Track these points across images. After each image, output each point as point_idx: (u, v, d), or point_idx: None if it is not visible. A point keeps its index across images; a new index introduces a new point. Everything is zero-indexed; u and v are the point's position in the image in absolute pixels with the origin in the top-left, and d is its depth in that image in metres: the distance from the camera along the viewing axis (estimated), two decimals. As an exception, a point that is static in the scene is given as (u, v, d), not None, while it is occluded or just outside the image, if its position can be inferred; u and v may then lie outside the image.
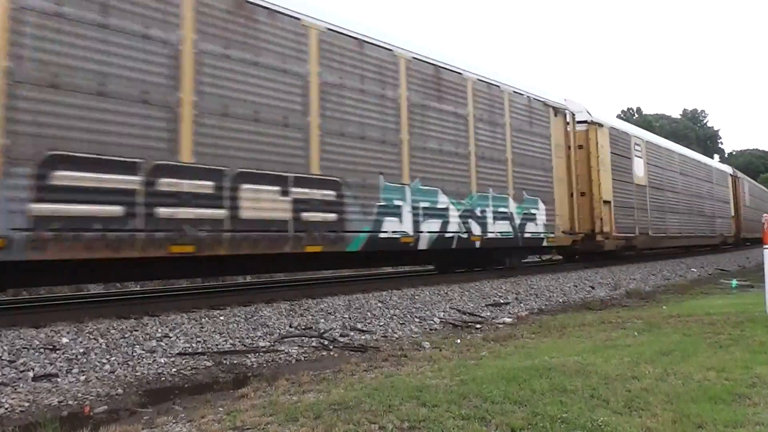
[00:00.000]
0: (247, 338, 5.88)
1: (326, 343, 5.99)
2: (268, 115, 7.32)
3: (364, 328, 6.73)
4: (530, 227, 12.00)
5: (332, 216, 7.95)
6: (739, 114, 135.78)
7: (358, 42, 8.61)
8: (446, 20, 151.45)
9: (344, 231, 8.11)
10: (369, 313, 7.35)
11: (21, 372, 4.42)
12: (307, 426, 3.11)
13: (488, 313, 8.33)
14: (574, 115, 14.12)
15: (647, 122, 61.27)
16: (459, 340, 6.16)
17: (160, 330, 5.67)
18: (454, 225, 10.01)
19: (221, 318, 6.32)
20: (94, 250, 5.73)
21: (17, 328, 5.26)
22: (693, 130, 76.43)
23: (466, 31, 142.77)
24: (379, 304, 7.81)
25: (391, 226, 8.78)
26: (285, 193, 7.41)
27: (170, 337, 5.54)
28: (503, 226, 11.25)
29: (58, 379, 4.42)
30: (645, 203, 17.54)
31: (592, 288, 11.66)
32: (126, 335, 5.40)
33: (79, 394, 4.17)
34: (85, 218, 5.68)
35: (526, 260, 13.86)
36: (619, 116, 42.76)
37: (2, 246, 5.18)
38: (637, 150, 17.52)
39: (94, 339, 5.20)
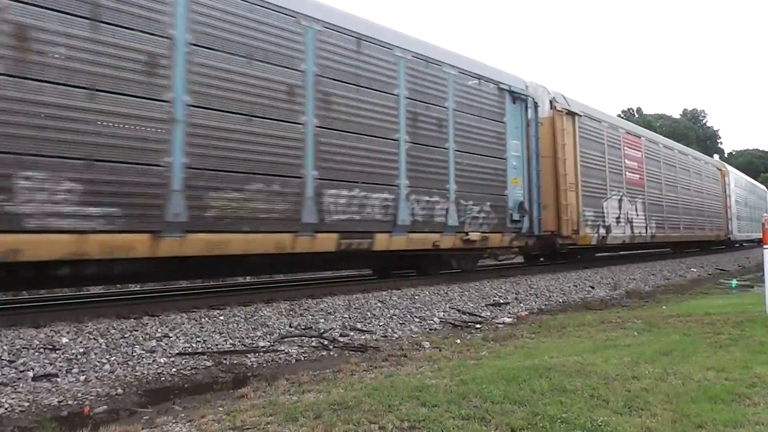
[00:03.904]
0: (247, 338, 5.88)
1: (326, 343, 5.99)
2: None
3: (364, 328, 6.73)
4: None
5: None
6: (739, 114, 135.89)
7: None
8: (447, 19, 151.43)
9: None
10: (369, 313, 7.35)
11: (21, 372, 4.42)
12: (307, 426, 3.11)
13: (488, 313, 8.33)
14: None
15: (647, 122, 61.31)
16: (459, 340, 6.16)
17: (159, 330, 5.67)
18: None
19: (221, 318, 6.33)
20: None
21: (17, 328, 5.26)
22: (693, 130, 76.43)
23: (466, 30, 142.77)
24: (379, 304, 7.81)
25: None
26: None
27: (170, 337, 5.54)
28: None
29: (58, 379, 4.41)
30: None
31: (592, 288, 11.66)
32: (126, 335, 5.40)
33: (79, 394, 4.16)
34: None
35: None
36: (619, 116, 42.23)
37: None
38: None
39: (94, 339, 5.20)
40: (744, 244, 30.88)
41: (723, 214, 25.61)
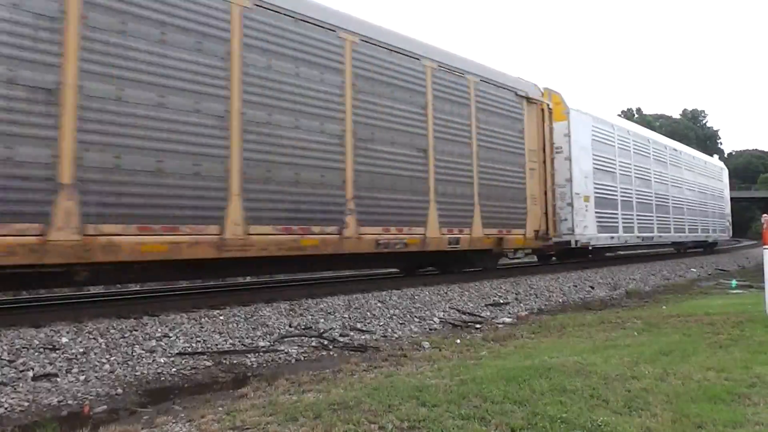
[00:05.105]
0: (247, 338, 5.88)
1: (326, 343, 5.99)
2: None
3: (364, 328, 6.73)
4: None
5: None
6: (739, 114, 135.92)
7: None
8: (449, 18, 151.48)
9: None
10: (369, 313, 7.35)
11: (21, 372, 4.41)
12: (307, 426, 3.11)
13: (488, 313, 8.33)
14: None
15: (647, 122, 61.25)
16: (459, 340, 6.16)
17: (159, 330, 5.67)
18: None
19: (221, 318, 6.32)
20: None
21: (17, 327, 5.26)
22: (693, 130, 76.43)
23: (466, 29, 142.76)
24: (379, 304, 7.80)
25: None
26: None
27: (170, 337, 5.54)
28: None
29: (58, 379, 4.41)
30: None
31: (592, 288, 11.66)
32: (126, 335, 5.40)
33: (79, 394, 4.17)
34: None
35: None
36: (619, 116, 41.50)
37: None
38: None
39: (94, 339, 5.20)
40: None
41: (536, 196, 11.78)
